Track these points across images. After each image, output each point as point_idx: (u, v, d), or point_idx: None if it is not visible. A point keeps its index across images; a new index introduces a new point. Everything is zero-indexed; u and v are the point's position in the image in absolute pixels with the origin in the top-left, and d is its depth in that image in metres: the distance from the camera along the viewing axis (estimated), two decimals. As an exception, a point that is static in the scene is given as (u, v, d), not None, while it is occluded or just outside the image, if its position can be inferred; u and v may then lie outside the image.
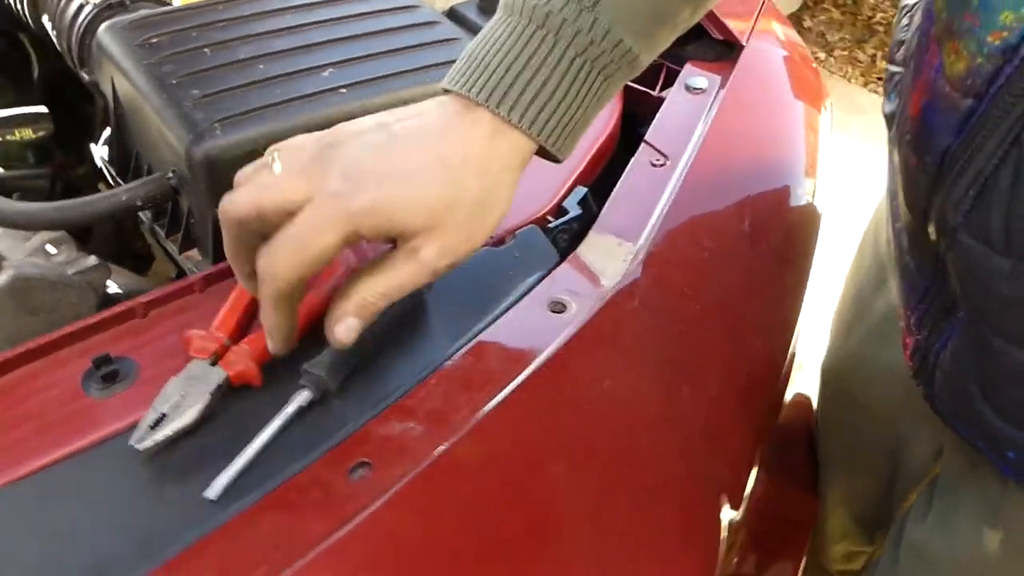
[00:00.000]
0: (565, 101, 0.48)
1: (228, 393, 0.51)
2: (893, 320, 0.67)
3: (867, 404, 0.80)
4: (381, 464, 0.46)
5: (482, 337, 0.54)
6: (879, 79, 3.37)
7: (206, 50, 0.70)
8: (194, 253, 0.70)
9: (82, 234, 0.86)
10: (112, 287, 0.77)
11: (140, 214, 0.74)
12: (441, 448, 0.47)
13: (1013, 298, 0.49)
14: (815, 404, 0.94)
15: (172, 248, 0.71)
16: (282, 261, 0.45)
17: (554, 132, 0.49)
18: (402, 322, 0.55)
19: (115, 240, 0.96)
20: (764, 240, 0.66)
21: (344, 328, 0.48)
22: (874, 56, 3.56)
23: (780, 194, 0.71)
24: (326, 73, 0.70)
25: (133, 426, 0.48)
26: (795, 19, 3.71)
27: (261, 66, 0.70)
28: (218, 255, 0.66)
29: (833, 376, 0.87)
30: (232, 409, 0.51)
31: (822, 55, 3.56)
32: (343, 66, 0.72)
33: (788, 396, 0.95)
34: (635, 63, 0.50)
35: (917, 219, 0.56)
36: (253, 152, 0.64)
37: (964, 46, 0.48)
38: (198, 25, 0.73)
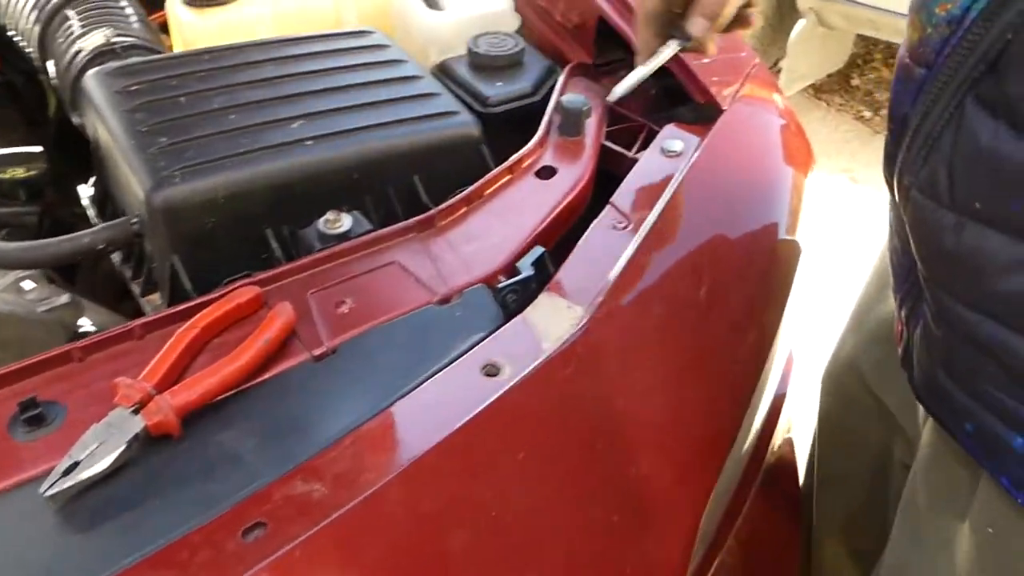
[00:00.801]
0: None
1: (147, 442, 0.51)
2: (891, 322, 0.69)
3: (862, 399, 0.82)
4: (277, 525, 0.45)
5: (407, 399, 0.54)
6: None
7: (182, 99, 0.72)
8: (155, 297, 0.71)
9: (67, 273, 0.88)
10: (86, 324, 0.79)
11: (112, 256, 0.76)
12: (341, 511, 0.46)
13: (956, 254, 0.52)
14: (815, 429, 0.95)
15: (137, 291, 0.73)
16: None
17: None
18: (324, 381, 0.55)
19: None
20: (719, 308, 0.65)
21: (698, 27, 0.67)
22: (923, 115, 3.49)
23: (744, 260, 0.70)
24: (295, 125, 0.71)
25: (50, 471, 0.49)
26: (842, 77, 3.67)
27: (233, 116, 0.71)
28: (174, 301, 0.67)
29: (832, 380, 0.89)
30: (149, 459, 0.51)
31: (868, 114, 3.51)
32: (315, 118, 0.73)
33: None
34: None
35: (890, 187, 0.60)
36: (212, 200, 0.66)
37: (919, 18, 0.53)
38: (179, 74, 0.75)
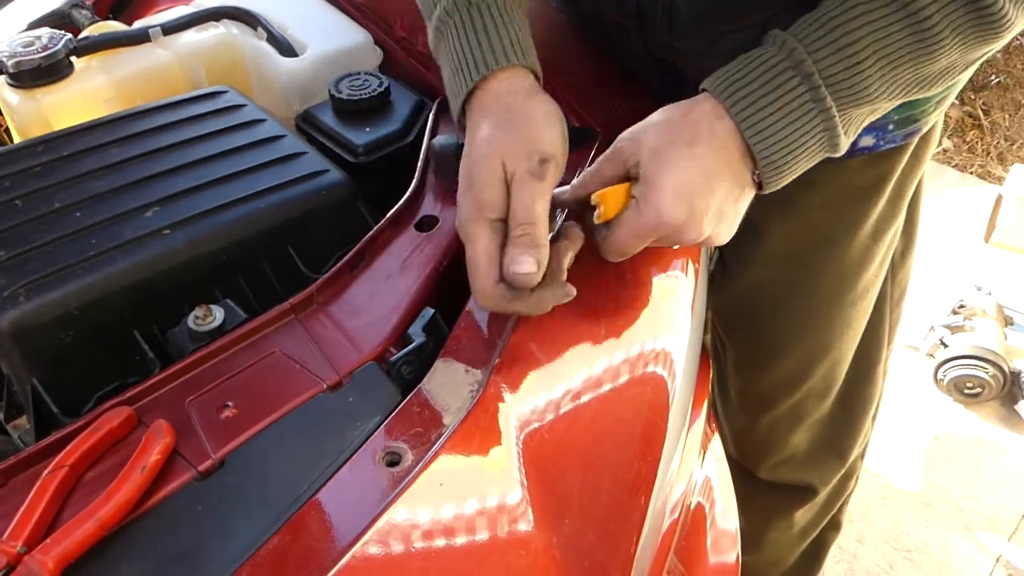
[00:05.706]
0: None
1: (23, 609, 0.46)
2: None
3: None
4: None
5: (304, 510, 0.50)
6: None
7: (18, 202, 0.66)
8: (23, 421, 0.66)
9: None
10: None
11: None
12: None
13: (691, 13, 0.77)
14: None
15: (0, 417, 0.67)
16: None
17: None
18: (213, 500, 0.51)
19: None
20: (623, 344, 0.63)
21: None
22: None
23: (644, 282, 0.68)
24: (149, 213, 0.66)
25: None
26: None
27: (78, 214, 0.66)
28: (40, 425, 0.61)
29: None
30: (25, 629, 0.46)
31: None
32: (171, 202, 0.68)
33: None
34: None
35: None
36: (66, 314, 0.61)
37: None
38: (13, 173, 0.69)
